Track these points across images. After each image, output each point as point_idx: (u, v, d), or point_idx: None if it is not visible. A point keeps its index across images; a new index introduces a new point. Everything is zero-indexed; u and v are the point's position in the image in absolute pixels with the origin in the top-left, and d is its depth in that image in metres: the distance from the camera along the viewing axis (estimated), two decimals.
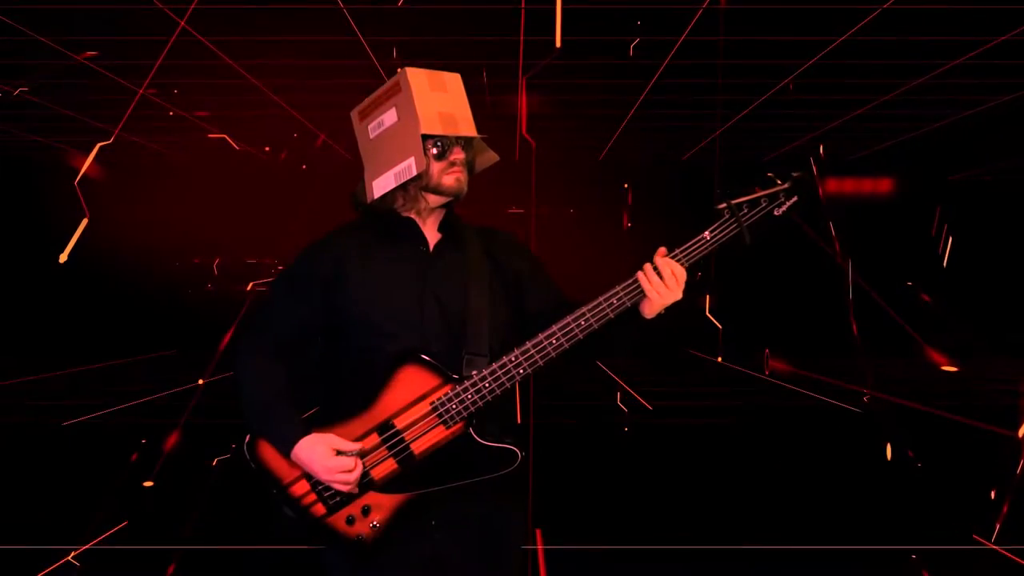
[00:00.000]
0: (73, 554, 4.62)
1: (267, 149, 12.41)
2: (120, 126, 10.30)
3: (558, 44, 8.37)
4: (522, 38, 8.29)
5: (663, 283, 2.07)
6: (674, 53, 8.44)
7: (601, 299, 2.09)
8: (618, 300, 2.09)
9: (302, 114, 11.29)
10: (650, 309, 2.13)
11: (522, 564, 2.27)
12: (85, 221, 11.03)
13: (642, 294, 2.09)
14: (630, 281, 2.09)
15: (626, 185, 13.89)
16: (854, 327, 12.99)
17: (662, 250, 2.10)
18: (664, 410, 9.14)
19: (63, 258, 11.53)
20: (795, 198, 2.04)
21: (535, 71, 9.19)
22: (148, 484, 6.13)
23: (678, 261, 2.08)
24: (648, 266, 2.08)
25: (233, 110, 11.12)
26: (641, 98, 10.20)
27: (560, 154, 13.54)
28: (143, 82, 9.45)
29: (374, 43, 8.49)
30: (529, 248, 2.38)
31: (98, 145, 10.80)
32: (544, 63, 8.95)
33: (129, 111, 9.93)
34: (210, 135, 12.14)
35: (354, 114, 2.30)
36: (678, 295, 2.09)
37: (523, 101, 10.19)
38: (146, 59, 8.61)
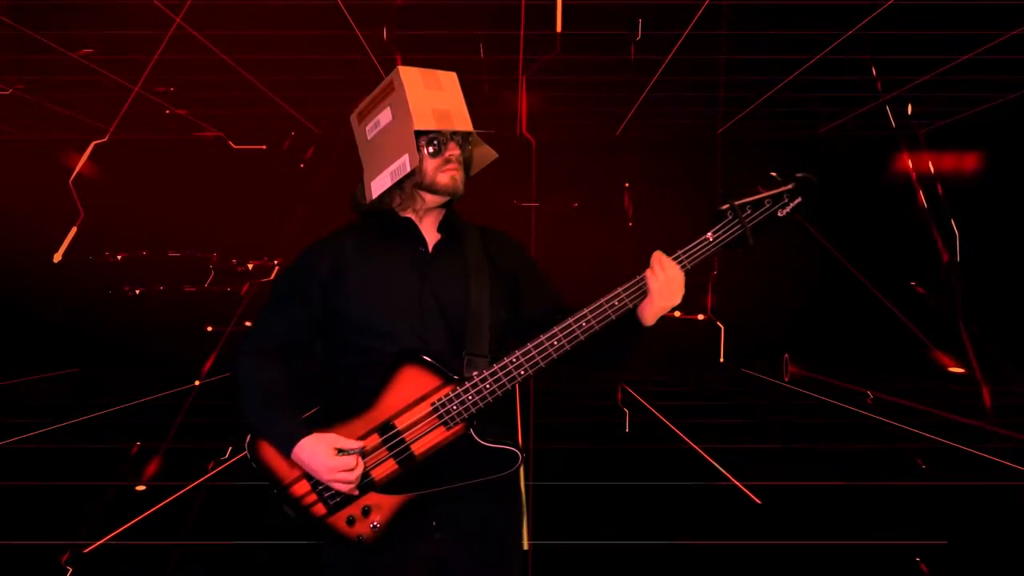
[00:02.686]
0: (64, 558, 4.60)
1: (264, 148, 12.35)
2: (116, 123, 10.26)
3: (559, 29, 8.36)
4: (522, 32, 8.27)
5: (669, 281, 2.05)
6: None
7: (603, 300, 2.08)
8: (619, 301, 2.08)
9: (299, 111, 11.29)
10: (651, 313, 2.10)
11: (522, 564, 2.26)
12: (80, 220, 11.04)
13: (643, 295, 2.08)
14: (632, 282, 2.08)
15: (627, 184, 13.41)
16: (965, 339, 11.30)
17: (659, 253, 2.09)
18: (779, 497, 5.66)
19: (57, 257, 11.52)
20: (799, 199, 2.03)
21: (537, 67, 9.18)
22: (140, 488, 6.13)
23: (679, 263, 2.07)
24: (656, 259, 2.06)
25: (230, 108, 11.13)
26: (658, 73, 9.55)
27: (565, 144, 12.84)
28: (138, 79, 9.44)
29: (371, 37, 8.47)
30: (526, 250, 2.37)
31: (93, 143, 10.78)
32: (545, 59, 8.92)
33: (125, 108, 9.90)
34: (203, 133, 12.12)
35: (353, 117, 2.31)
36: (678, 299, 2.08)
37: (523, 97, 10.10)
38: (142, 55, 8.63)
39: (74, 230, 11.13)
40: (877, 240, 12.28)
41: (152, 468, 6.63)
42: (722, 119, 12.11)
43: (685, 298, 2.08)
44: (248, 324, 12.58)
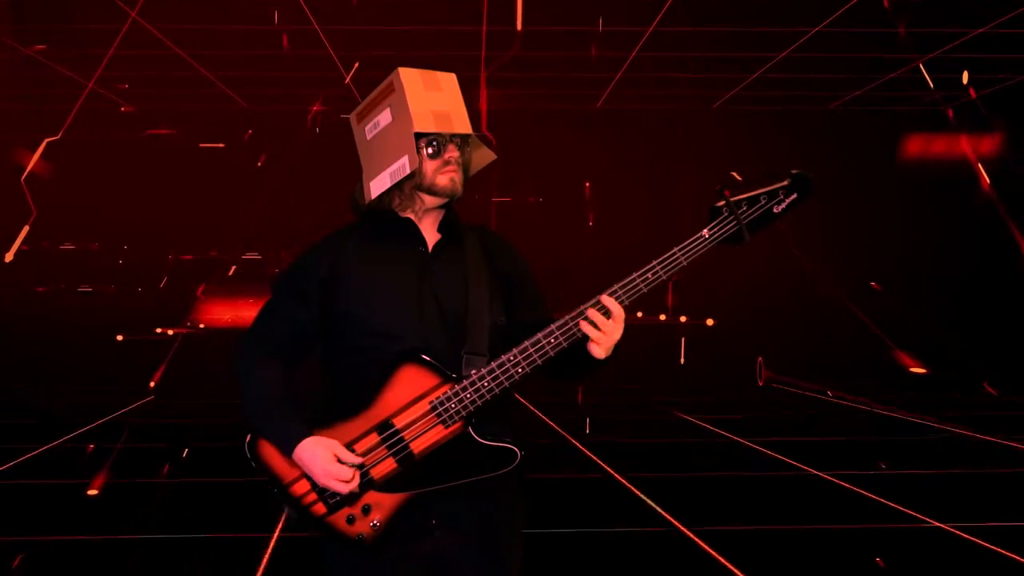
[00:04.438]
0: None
1: (222, 145, 12.15)
2: (69, 121, 10.10)
3: (519, 28, 8.34)
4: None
5: (608, 322, 2.07)
6: None
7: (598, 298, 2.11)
8: (616, 299, 2.11)
9: (259, 107, 11.24)
10: (597, 352, 2.13)
11: (521, 562, 2.28)
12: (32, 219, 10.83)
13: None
14: (627, 279, 2.10)
15: (587, 184, 12.60)
16: None
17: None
18: None
19: (8, 257, 11.28)
20: (794, 195, 2.07)
21: (498, 63, 9.16)
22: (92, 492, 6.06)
23: (674, 260, 2.09)
24: (589, 312, 2.09)
25: (185, 104, 11.04)
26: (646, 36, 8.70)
27: (530, 132, 11.54)
28: (92, 75, 9.32)
29: (330, 32, 8.44)
30: (523, 256, 2.39)
31: (45, 141, 10.59)
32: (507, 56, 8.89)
33: (78, 105, 9.77)
34: (157, 131, 11.96)
35: (352, 117, 2.33)
36: (617, 335, 2.10)
37: (484, 93, 10.02)
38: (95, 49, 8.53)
39: (26, 228, 10.92)
40: (932, 232, 11.37)
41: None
42: (719, 91, 10.91)
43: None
44: (161, 331, 12.12)
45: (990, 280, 11.09)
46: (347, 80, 10.51)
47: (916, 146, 11.69)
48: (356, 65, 9.96)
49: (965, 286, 11.17)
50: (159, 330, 12.12)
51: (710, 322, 12.07)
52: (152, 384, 10.99)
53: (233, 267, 12.73)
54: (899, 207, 11.46)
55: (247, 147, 12.12)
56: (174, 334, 12.12)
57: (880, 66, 9.67)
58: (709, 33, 8.62)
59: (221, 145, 12.16)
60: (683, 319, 11.95)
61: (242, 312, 12.20)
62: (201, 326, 12.39)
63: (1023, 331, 10.91)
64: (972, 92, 10.07)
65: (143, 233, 12.34)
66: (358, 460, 2.09)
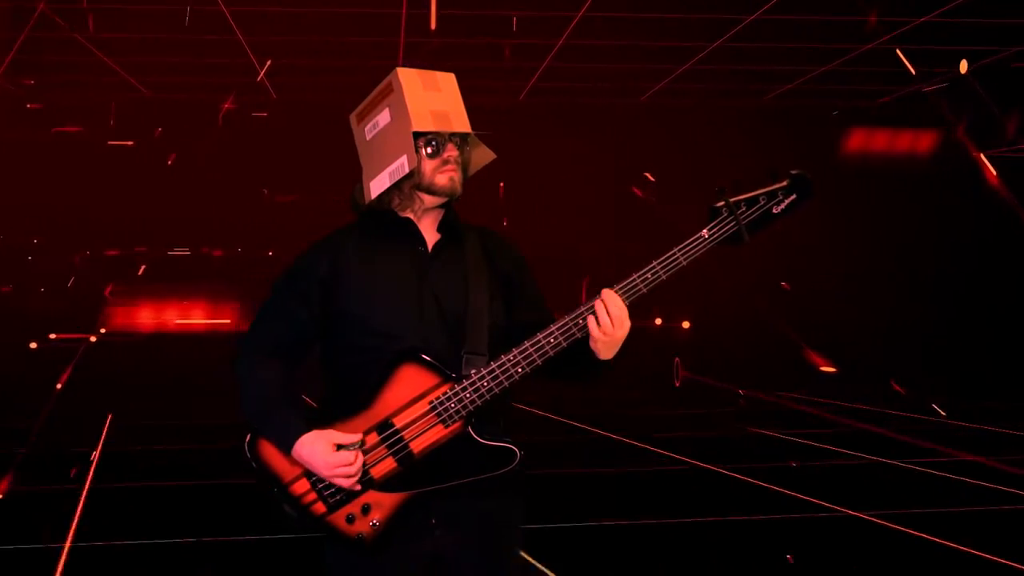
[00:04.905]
0: None
1: (131, 143, 11.78)
2: None
3: (432, 26, 8.27)
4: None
5: (610, 320, 2.09)
6: None
7: (598, 297, 2.13)
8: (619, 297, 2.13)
9: (165, 96, 10.98)
10: (597, 348, 2.13)
11: (521, 562, 2.31)
12: None
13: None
14: (627, 280, 2.13)
15: (501, 184, 12.19)
16: None
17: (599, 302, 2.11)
18: None
19: None
20: (794, 196, 2.13)
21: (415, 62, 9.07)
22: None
23: (673, 260, 2.12)
24: (592, 309, 2.09)
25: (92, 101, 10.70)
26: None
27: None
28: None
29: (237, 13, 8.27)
30: (524, 257, 2.41)
31: None
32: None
33: None
34: (64, 128, 11.58)
35: (352, 117, 2.35)
36: (620, 333, 2.11)
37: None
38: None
39: None
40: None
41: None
42: (648, 83, 10.43)
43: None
44: (55, 336, 11.67)
45: (913, 277, 11.32)
46: (260, 76, 10.33)
47: (856, 140, 11.70)
48: (268, 63, 9.80)
49: (880, 284, 11.40)
50: (53, 335, 11.72)
51: (686, 324, 11.95)
52: (58, 387, 10.64)
53: (143, 266, 12.37)
54: (836, 203, 11.14)
55: (157, 143, 11.79)
56: (78, 339, 11.73)
57: (817, 57, 9.40)
58: (638, 20, 8.31)
59: (130, 143, 11.80)
60: (658, 322, 11.78)
61: (163, 312, 11.96)
62: (102, 330, 12.02)
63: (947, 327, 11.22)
64: (965, 68, 9.84)
65: (46, 232, 11.92)
66: (356, 438, 2.10)
